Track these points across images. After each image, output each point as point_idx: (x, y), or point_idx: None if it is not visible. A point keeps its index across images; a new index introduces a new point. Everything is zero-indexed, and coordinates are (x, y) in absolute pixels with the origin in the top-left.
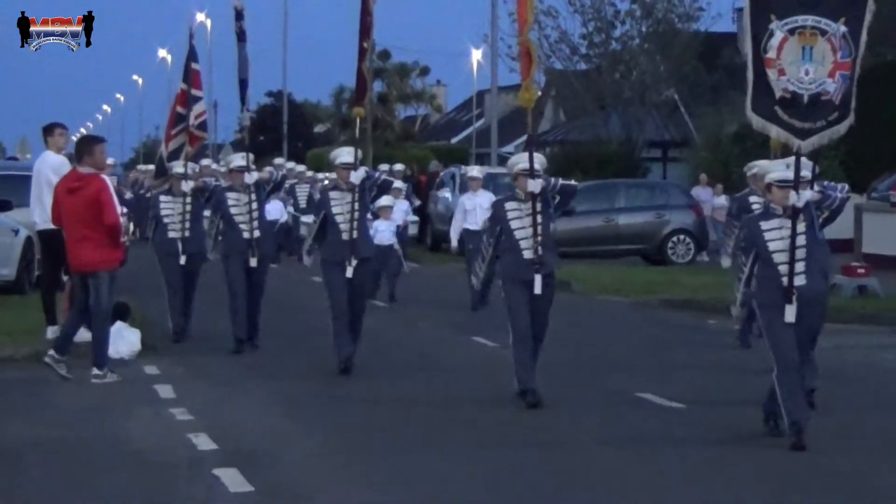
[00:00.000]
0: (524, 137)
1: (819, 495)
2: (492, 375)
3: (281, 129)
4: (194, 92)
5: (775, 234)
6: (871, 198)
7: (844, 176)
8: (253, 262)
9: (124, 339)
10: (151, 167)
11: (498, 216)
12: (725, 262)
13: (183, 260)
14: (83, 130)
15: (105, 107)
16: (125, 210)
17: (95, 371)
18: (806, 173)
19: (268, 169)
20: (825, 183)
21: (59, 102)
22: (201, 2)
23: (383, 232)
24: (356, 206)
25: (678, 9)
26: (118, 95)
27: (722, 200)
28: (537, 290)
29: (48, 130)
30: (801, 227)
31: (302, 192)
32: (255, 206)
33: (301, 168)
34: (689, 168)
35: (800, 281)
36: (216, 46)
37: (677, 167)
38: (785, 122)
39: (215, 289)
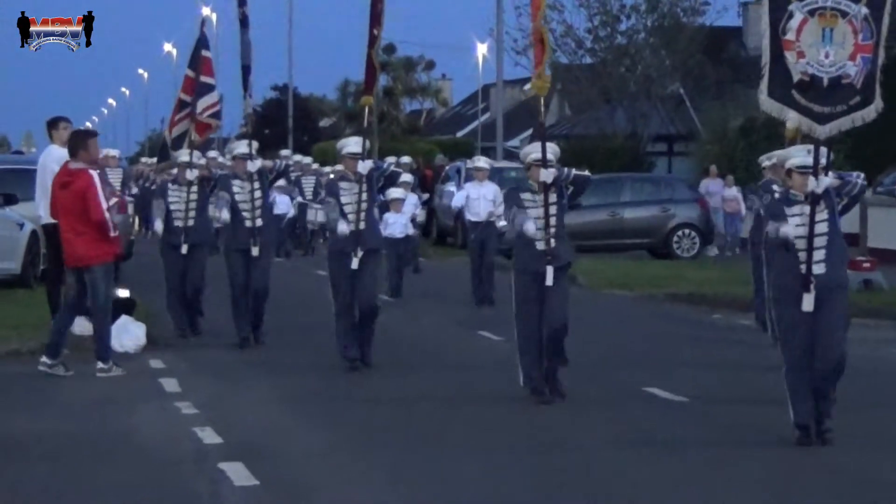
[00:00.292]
0: (530, 131)
1: (822, 493)
2: (496, 371)
3: (286, 123)
4: (204, 79)
5: (796, 220)
6: (876, 192)
7: (850, 170)
8: (255, 252)
9: (129, 333)
10: (155, 160)
11: (512, 200)
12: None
13: (184, 249)
14: (88, 124)
15: (110, 101)
16: (110, 204)
17: (100, 365)
18: (822, 160)
19: (282, 153)
20: (840, 173)
21: (64, 97)
22: None
23: (394, 224)
24: (363, 196)
25: (683, 3)
26: (123, 89)
27: (733, 192)
28: (549, 281)
29: (52, 124)
30: (821, 214)
31: (308, 184)
32: (258, 194)
33: (308, 160)
34: (695, 162)
35: (819, 269)
36: (221, 40)
37: (683, 161)
38: (803, 106)
39: (222, 281)
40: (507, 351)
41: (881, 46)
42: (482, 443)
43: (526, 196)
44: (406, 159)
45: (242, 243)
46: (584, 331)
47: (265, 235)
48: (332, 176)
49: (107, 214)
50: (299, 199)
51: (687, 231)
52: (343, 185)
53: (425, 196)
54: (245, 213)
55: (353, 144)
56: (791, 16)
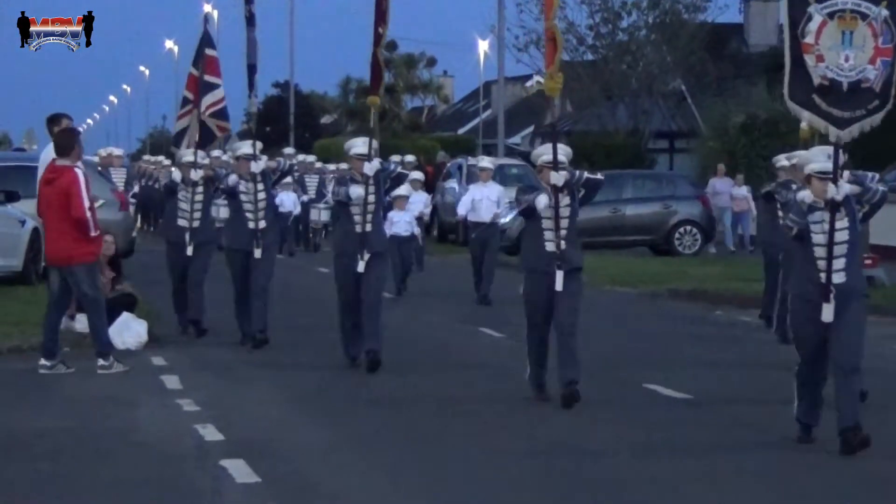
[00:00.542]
0: (531, 128)
1: (827, 493)
2: (498, 368)
3: (288, 120)
4: (208, 78)
5: (816, 228)
6: None
7: (852, 166)
8: (257, 254)
9: (131, 331)
10: (159, 158)
11: (527, 194)
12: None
13: (190, 251)
14: (89, 121)
15: (112, 98)
16: (94, 205)
17: (101, 362)
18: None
19: (285, 151)
20: (856, 173)
21: (65, 94)
22: None
23: (398, 223)
24: (370, 198)
25: None
26: (125, 87)
27: (743, 191)
28: (558, 286)
29: (54, 121)
30: (841, 221)
31: (311, 182)
32: (261, 195)
33: (311, 158)
34: (696, 159)
35: (839, 278)
36: (222, 37)
37: (684, 158)
38: (823, 110)
39: (224, 279)
40: (508, 348)
41: None
42: (483, 442)
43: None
44: (410, 157)
45: (244, 244)
46: (586, 327)
47: (268, 237)
48: (339, 168)
49: (88, 213)
50: (304, 197)
51: (688, 228)
52: (350, 186)
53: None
54: (248, 214)
55: (359, 145)
56: (810, 18)
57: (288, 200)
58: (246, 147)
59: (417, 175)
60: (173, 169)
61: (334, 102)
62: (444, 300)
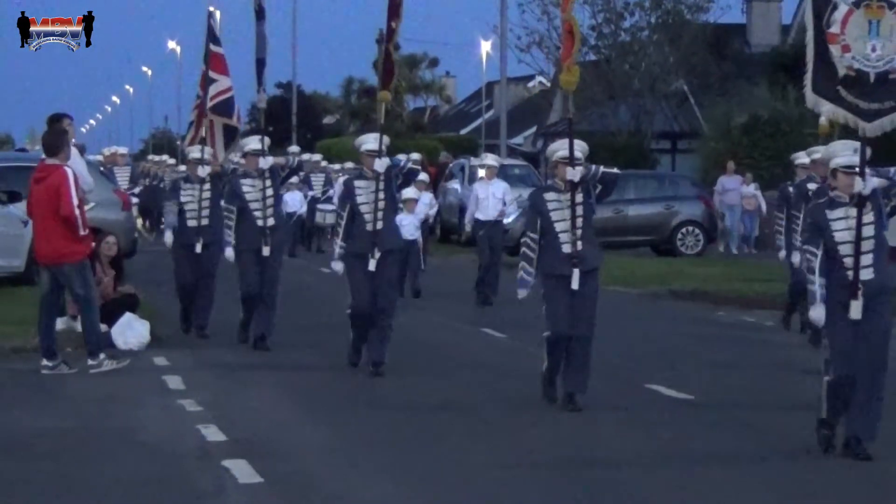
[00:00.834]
0: (534, 128)
1: (838, 495)
2: (500, 367)
3: (290, 120)
4: (212, 74)
5: (841, 225)
6: None
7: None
8: (266, 252)
9: (133, 331)
10: (163, 157)
11: (537, 207)
12: (783, 255)
13: (199, 248)
14: (92, 122)
15: (114, 98)
16: (84, 206)
17: (90, 361)
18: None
19: (291, 149)
20: (879, 168)
21: (68, 94)
22: None
23: (407, 226)
24: (381, 195)
25: (687, 0)
26: (127, 87)
27: (751, 189)
28: (575, 285)
29: (55, 121)
30: (868, 216)
31: (317, 181)
32: (269, 192)
33: (318, 157)
34: (699, 159)
35: (867, 275)
36: (225, 34)
37: (687, 158)
38: (849, 102)
39: (228, 279)
40: (510, 348)
41: None
42: (486, 442)
43: (551, 196)
44: (416, 156)
45: (253, 243)
46: None
47: (277, 236)
48: (342, 175)
49: (76, 211)
50: (310, 193)
51: (690, 228)
52: (360, 183)
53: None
54: (256, 213)
55: (370, 141)
56: (836, 7)
57: (293, 200)
58: (254, 143)
59: (423, 177)
60: (170, 214)
61: (337, 103)
62: (445, 300)
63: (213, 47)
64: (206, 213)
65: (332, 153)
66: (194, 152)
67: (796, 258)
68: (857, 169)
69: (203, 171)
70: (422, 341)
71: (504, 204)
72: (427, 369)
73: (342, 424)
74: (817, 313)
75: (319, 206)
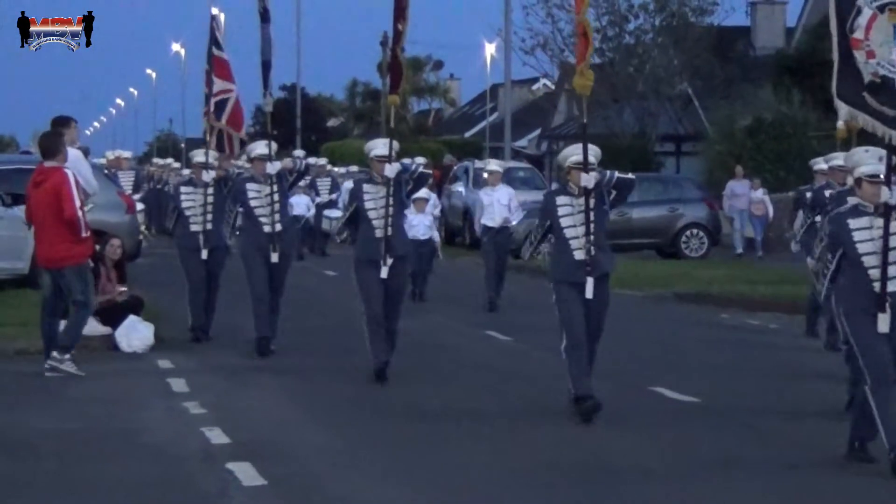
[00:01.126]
0: (538, 131)
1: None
2: (505, 370)
3: (294, 123)
4: (216, 82)
5: (865, 235)
6: None
7: None
8: (274, 258)
9: (138, 333)
10: (168, 161)
11: (548, 210)
12: (811, 262)
13: (205, 254)
14: (96, 124)
15: (118, 101)
16: (84, 207)
17: (54, 354)
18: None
19: (295, 153)
20: None
21: (72, 97)
22: None
23: (418, 226)
24: (391, 200)
25: (692, 2)
26: (131, 90)
27: (759, 194)
28: (589, 294)
29: (60, 124)
30: (894, 226)
31: (323, 185)
32: (276, 197)
33: (323, 161)
34: (703, 162)
35: (893, 286)
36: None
37: (691, 161)
38: (874, 109)
39: (232, 282)
40: (515, 351)
41: None
42: (491, 445)
43: (563, 200)
44: (420, 159)
45: (261, 248)
46: None
47: (285, 241)
48: (348, 178)
49: (79, 213)
50: (318, 199)
51: (695, 231)
52: (369, 188)
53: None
54: (263, 218)
55: (380, 147)
56: (859, 12)
57: (300, 204)
58: (261, 148)
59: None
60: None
61: (341, 105)
62: (450, 303)
63: (216, 52)
64: (210, 217)
65: (337, 156)
66: (199, 156)
67: (810, 262)
68: (883, 177)
69: (208, 175)
70: (426, 344)
71: (510, 211)
72: (431, 372)
73: (346, 427)
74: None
75: (326, 212)
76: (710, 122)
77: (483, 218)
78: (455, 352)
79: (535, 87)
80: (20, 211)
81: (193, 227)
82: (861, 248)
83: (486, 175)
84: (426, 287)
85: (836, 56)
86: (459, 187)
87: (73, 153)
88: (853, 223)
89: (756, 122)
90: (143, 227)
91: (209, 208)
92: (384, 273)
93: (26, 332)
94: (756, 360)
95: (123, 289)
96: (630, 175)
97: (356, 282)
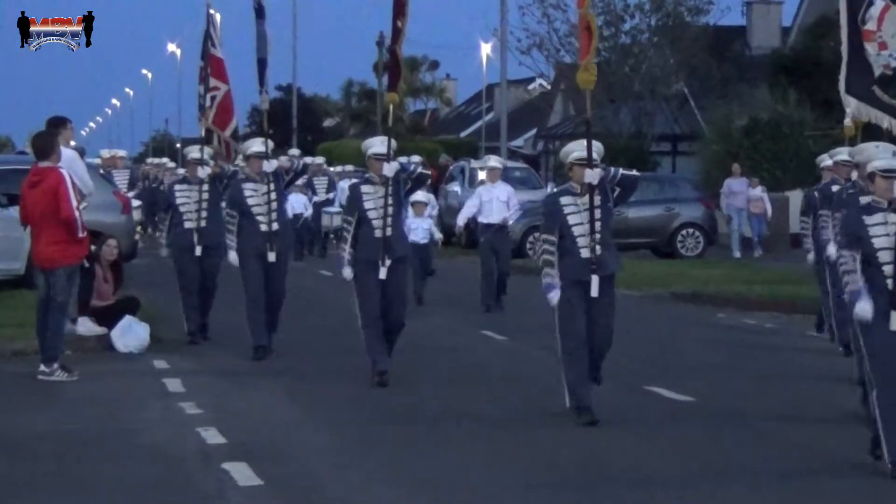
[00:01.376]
0: (534, 131)
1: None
2: (501, 371)
3: (290, 123)
4: (212, 82)
5: (879, 231)
6: None
7: None
8: (271, 257)
9: (133, 334)
10: (163, 160)
11: (553, 214)
12: (811, 258)
13: (198, 251)
14: (92, 125)
15: (114, 101)
16: (83, 206)
17: (42, 367)
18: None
19: (292, 152)
20: None
21: (67, 97)
22: None
23: (416, 230)
24: (390, 200)
25: (688, 2)
26: (127, 90)
27: (758, 192)
28: (594, 292)
29: (55, 124)
30: None
31: (320, 185)
32: (273, 196)
33: (320, 160)
34: (699, 161)
35: None
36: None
37: (687, 161)
38: (884, 103)
39: (230, 282)
40: (511, 351)
41: None
42: (488, 444)
43: (567, 200)
44: (416, 158)
45: (258, 248)
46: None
47: (282, 241)
48: (345, 178)
49: (76, 213)
50: (315, 198)
51: (691, 230)
52: (367, 188)
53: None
54: (260, 217)
55: (377, 145)
56: (871, 3)
57: (298, 203)
58: (257, 146)
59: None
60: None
61: (337, 105)
62: (448, 303)
63: (211, 49)
64: (204, 214)
65: (333, 156)
66: (193, 153)
67: (832, 249)
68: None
69: (203, 171)
70: (424, 345)
71: (508, 209)
72: (428, 373)
73: (342, 427)
74: (863, 308)
75: (325, 209)
76: (707, 122)
77: (480, 216)
78: (453, 353)
79: (530, 86)
80: (16, 212)
81: (187, 224)
82: (876, 243)
83: (480, 173)
84: (423, 290)
85: (845, 50)
86: (455, 187)
87: (68, 153)
88: (868, 219)
89: (752, 121)
90: (138, 227)
91: (204, 205)
92: (383, 274)
93: (23, 333)
94: (753, 359)
95: (110, 302)
96: (634, 172)
97: (354, 283)
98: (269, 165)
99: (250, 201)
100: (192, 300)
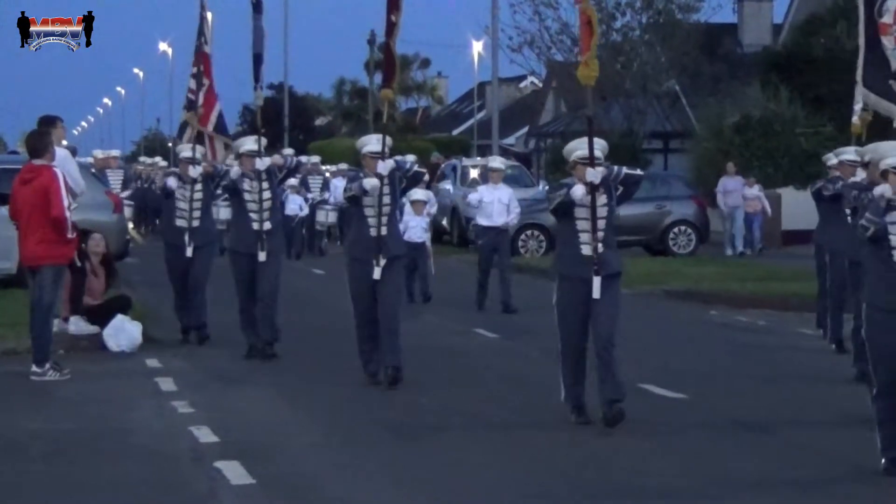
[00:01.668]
0: (526, 128)
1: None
2: (495, 369)
3: (282, 122)
4: (205, 80)
5: (894, 229)
6: None
7: None
8: (262, 257)
9: (126, 333)
10: (155, 159)
11: (561, 189)
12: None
13: (189, 252)
14: (84, 124)
15: (106, 100)
16: (73, 206)
17: (34, 368)
18: None
19: (285, 151)
20: None
21: (59, 96)
22: None
23: (414, 228)
24: (385, 199)
25: None
26: (119, 89)
27: (755, 191)
28: (596, 294)
29: (46, 123)
30: None
31: (315, 184)
32: (266, 194)
33: (316, 159)
34: (691, 159)
35: None
36: (219, 34)
37: (679, 158)
38: None
39: (223, 281)
40: (503, 349)
41: None
42: (483, 443)
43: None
44: (411, 157)
45: (248, 247)
46: None
47: (274, 240)
48: (338, 176)
49: (67, 213)
50: (310, 196)
51: (683, 228)
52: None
53: None
54: (252, 215)
55: (373, 143)
56: None
57: (294, 203)
58: (249, 143)
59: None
60: (169, 178)
61: (328, 104)
62: (442, 303)
63: (203, 47)
64: (196, 214)
65: (325, 154)
66: (186, 151)
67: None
68: None
69: (195, 171)
70: (416, 343)
71: (509, 211)
72: (422, 372)
73: (335, 426)
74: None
75: (320, 206)
76: (698, 120)
77: (480, 217)
78: (445, 350)
79: (522, 84)
80: (6, 210)
81: (179, 223)
82: (892, 241)
83: (472, 171)
84: (416, 289)
85: (862, 43)
86: (447, 185)
87: (60, 152)
88: (888, 217)
89: (744, 119)
90: (131, 228)
91: (196, 205)
92: (377, 274)
93: (15, 333)
94: (746, 357)
95: (102, 301)
96: (638, 171)
97: (347, 281)
98: (262, 163)
99: (245, 197)
100: (182, 300)
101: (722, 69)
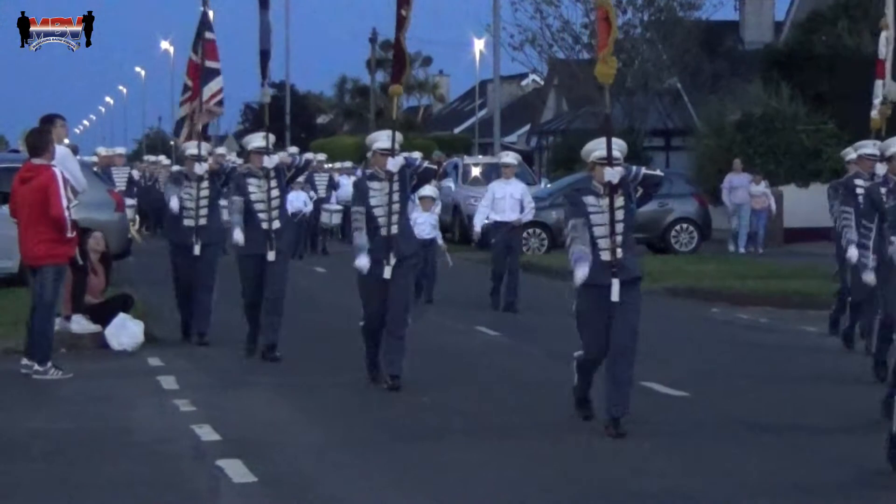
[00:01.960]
0: (527, 126)
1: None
2: (497, 368)
3: (284, 120)
4: (209, 63)
5: None
6: None
7: None
8: (271, 256)
9: (127, 331)
10: (159, 158)
11: (578, 204)
12: (853, 254)
13: (197, 250)
14: (86, 122)
15: (108, 99)
16: (73, 204)
17: (36, 367)
18: None
19: (290, 150)
20: None
21: (61, 94)
22: None
23: (422, 224)
24: (395, 196)
25: None
26: (121, 87)
27: (762, 188)
28: (615, 297)
29: (48, 122)
30: None
31: (321, 182)
32: (274, 193)
33: (322, 157)
34: (693, 157)
35: None
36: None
37: (680, 156)
38: None
39: (227, 280)
40: (506, 347)
41: None
42: (483, 442)
43: (589, 200)
44: (417, 154)
45: (257, 247)
46: None
47: (282, 239)
48: (344, 174)
49: (66, 212)
50: (314, 194)
51: (685, 226)
52: (373, 184)
53: None
54: (261, 214)
55: (383, 139)
56: None
57: (297, 200)
58: (258, 140)
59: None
60: (172, 199)
61: (330, 102)
62: (447, 301)
63: (207, 34)
64: (203, 212)
65: (326, 152)
66: (191, 148)
67: (853, 252)
68: None
69: (200, 168)
70: (418, 341)
71: (522, 207)
72: (423, 371)
73: (337, 425)
74: (869, 278)
75: (324, 206)
76: (700, 117)
77: (493, 213)
78: (446, 349)
79: (523, 82)
80: (8, 209)
81: (186, 222)
82: None
83: (473, 169)
84: (432, 289)
85: (892, 33)
86: (449, 183)
87: (61, 150)
88: None
89: (745, 116)
90: (134, 227)
91: (202, 203)
92: (387, 273)
93: (16, 331)
94: (747, 355)
95: (104, 300)
96: (658, 171)
97: (357, 281)
98: (270, 161)
99: (252, 197)
100: (185, 300)
101: (723, 67)
